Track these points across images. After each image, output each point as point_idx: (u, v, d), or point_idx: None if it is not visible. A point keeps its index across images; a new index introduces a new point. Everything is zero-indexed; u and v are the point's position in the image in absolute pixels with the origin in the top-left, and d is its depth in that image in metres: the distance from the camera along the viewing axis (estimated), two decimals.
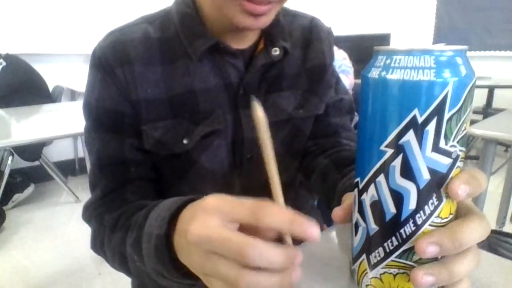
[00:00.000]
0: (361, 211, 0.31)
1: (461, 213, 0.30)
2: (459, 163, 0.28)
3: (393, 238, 0.29)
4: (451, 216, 0.29)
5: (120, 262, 0.45)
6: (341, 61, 1.96)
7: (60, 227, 2.15)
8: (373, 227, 0.30)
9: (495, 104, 3.13)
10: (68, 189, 2.51)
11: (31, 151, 2.33)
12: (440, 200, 0.28)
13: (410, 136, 0.26)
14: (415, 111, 0.26)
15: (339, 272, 0.39)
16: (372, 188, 0.30)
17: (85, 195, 0.60)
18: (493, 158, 1.36)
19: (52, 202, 2.50)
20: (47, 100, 2.33)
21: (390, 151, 0.28)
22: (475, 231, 0.28)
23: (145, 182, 0.55)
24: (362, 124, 0.30)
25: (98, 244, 0.49)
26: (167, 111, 0.52)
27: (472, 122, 0.59)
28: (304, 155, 0.65)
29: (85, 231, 0.53)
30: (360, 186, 0.31)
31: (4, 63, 2.17)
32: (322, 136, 0.65)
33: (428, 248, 0.27)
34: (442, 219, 0.28)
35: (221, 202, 0.29)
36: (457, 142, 0.27)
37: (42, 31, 2.64)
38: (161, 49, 0.52)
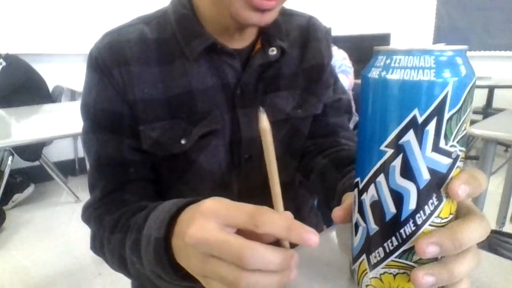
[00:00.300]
0: (361, 211, 0.31)
1: (461, 213, 0.30)
2: (459, 163, 0.28)
3: (393, 238, 0.29)
4: (451, 216, 0.29)
5: (120, 263, 0.45)
6: (341, 61, 1.96)
7: (60, 227, 2.15)
8: (373, 227, 0.30)
9: (495, 104, 3.13)
10: (68, 189, 2.51)
11: (31, 151, 2.33)
12: (440, 200, 0.28)
13: (410, 136, 0.26)
14: (415, 111, 0.26)
15: (339, 272, 0.39)
16: (372, 188, 0.30)
17: (85, 195, 0.60)
18: (493, 158, 1.36)
19: (52, 202, 2.50)
20: (47, 100, 2.34)
21: (390, 151, 0.28)
22: (475, 231, 0.28)
23: (144, 182, 0.55)
24: (362, 124, 0.30)
25: (98, 245, 0.49)
26: (164, 112, 0.52)
27: (472, 122, 0.59)
28: (303, 155, 0.65)
29: (85, 231, 0.53)
30: (360, 186, 0.31)
31: (4, 63, 2.17)
32: (320, 136, 0.65)
33: (428, 248, 0.27)
34: (442, 219, 0.28)
35: (218, 206, 0.29)
36: (457, 142, 0.27)
37: (42, 31, 2.64)
38: (158, 49, 0.52)
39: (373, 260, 0.31)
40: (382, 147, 0.28)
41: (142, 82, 0.51)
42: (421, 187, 0.27)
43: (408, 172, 0.27)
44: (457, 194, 0.27)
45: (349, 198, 0.36)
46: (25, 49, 2.53)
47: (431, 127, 0.26)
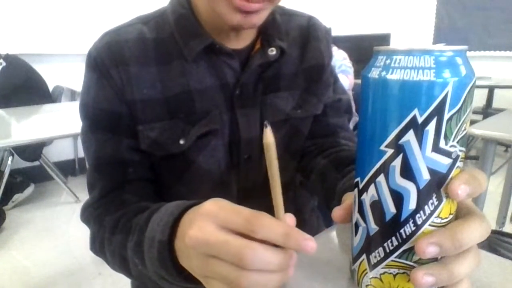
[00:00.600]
0: (361, 211, 0.31)
1: (461, 213, 0.30)
2: (459, 163, 0.28)
3: (393, 238, 0.29)
4: (451, 216, 0.29)
5: (121, 264, 0.44)
6: (341, 61, 1.97)
7: (60, 227, 2.15)
8: (373, 227, 0.30)
9: (495, 104, 3.14)
10: (68, 189, 2.51)
11: (31, 151, 2.33)
12: (440, 200, 0.28)
13: (410, 136, 0.26)
14: (415, 111, 0.26)
15: (339, 272, 0.39)
16: (372, 188, 0.30)
17: (85, 195, 0.60)
18: (493, 158, 1.36)
19: (52, 202, 2.50)
20: (47, 100, 2.34)
21: (390, 151, 0.28)
22: (475, 232, 0.28)
23: (144, 182, 0.55)
24: (362, 124, 0.30)
25: (98, 246, 0.49)
26: (163, 112, 0.52)
27: (472, 122, 0.59)
28: (303, 155, 0.65)
29: (85, 231, 0.53)
30: (360, 186, 0.31)
31: (4, 63, 2.17)
32: (320, 136, 0.65)
33: (428, 248, 0.27)
34: (442, 219, 0.28)
35: (218, 208, 0.29)
36: (457, 142, 0.27)
37: (42, 31, 2.64)
38: (157, 49, 0.52)
39: (373, 260, 0.31)
40: (382, 147, 0.28)
41: (141, 82, 0.51)
42: (421, 187, 0.27)
43: (408, 172, 0.27)
44: (457, 194, 0.27)
45: (349, 198, 0.36)
46: (25, 49, 2.53)
47: (431, 127, 0.26)
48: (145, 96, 0.51)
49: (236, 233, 0.28)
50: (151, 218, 0.39)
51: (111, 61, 0.50)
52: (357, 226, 0.32)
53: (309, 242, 0.27)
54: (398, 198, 0.28)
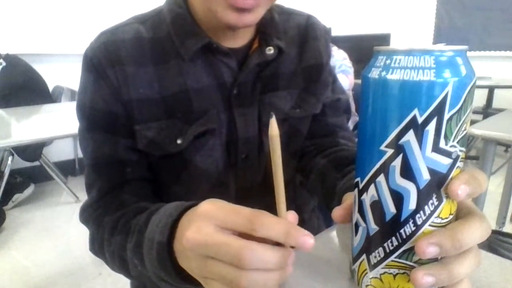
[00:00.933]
0: (361, 211, 0.31)
1: (461, 214, 0.30)
2: (459, 163, 0.28)
3: (393, 238, 0.29)
4: (451, 216, 0.29)
5: (120, 265, 0.45)
6: (341, 61, 1.97)
7: (60, 227, 2.15)
8: (373, 227, 0.30)
9: (495, 104, 3.14)
10: (68, 189, 2.51)
11: (31, 151, 2.33)
12: (440, 200, 0.28)
13: (410, 136, 0.26)
14: (415, 111, 0.26)
15: (339, 272, 0.39)
16: (372, 188, 0.30)
17: (85, 195, 0.60)
18: (493, 158, 1.36)
19: (52, 202, 2.50)
20: (47, 100, 2.33)
21: (390, 151, 0.28)
22: (475, 232, 0.28)
23: (142, 182, 0.55)
24: (362, 124, 0.30)
25: (97, 247, 0.49)
26: (160, 111, 0.52)
27: (472, 122, 0.59)
28: (302, 155, 0.65)
29: (85, 231, 0.53)
30: (360, 186, 0.31)
31: (4, 63, 2.17)
32: (319, 136, 0.65)
33: (428, 248, 0.27)
34: (442, 219, 0.28)
35: (216, 208, 0.29)
36: (457, 142, 0.27)
37: (42, 31, 2.64)
38: (153, 49, 0.51)
39: (373, 260, 0.31)
40: (382, 147, 0.28)
41: (137, 82, 0.50)
42: (421, 187, 0.27)
43: (408, 172, 0.27)
44: (457, 195, 0.27)
45: (349, 198, 0.36)
46: (25, 49, 2.53)
47: (431, 127, 0.26)
48: (142, 95, 0.51)
49: (234, 233, 0.28)
50: (150, 219, 0.39)
51: (108, 61, 0.50)
52: (357, 226, 0.32)
53: (308, 239, 0.27)
54: (398, 198, 0.28)
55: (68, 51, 2.71)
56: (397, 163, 0.27)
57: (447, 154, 0.27)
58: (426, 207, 0.28)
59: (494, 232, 1.00)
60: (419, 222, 0.28)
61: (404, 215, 0.28)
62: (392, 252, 0.30)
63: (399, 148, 0.27)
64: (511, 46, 3.31)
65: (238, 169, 0.57)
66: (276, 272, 0.28)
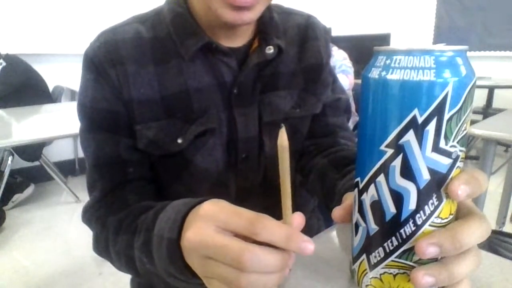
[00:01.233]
0: (361, 211, 0.31)
1: (461, 214, 0.30)
2: (459, 163, 0.28)
3: (393, 238, 0.29)
4: (451, 216, 0.29)
5: (127, 264, 0.44)
6: (341, 61, 1.97)
7: (60, 227, 2.15)
8: (373, 227, 0.30)
9: (495, 104, 3.14)
10: (68, 189, 2.51)
11: (31, 151, 2.34)
12: (440, 200, 0.28)
13: (410, 136, 0.26)
14: (415, 111, 0.26)
15: (339, 272, 0.39)
16: (372, 188, 0.30)
17: (85, 195, 0.60)
18: (493, 158, 1.36)
19: (52, 202, 2.50)
20: (47, 100, 2.34)
21: (390, 151, 0.28)
22: (475, 232, 0.28)
23: (144, 182, 0.55)
24: (362, 124, 0.30)
25: (102, 247, 0.49)
26: (160, 111, 0.52)
27: (472, 122, 0.59)
28: (302, 155, 0.65)
29: (85, 231, 0.53)
30: (360, 186, 0.31)
31: (4, 63, 2.17)
32: (319, 136, 0.65)
33: (428, 248, 0.27)
34: (442, 219, 0.28)
35: (218, 209, 0.29)
36: (457, 142, 0.27)
37: (42, 31, 2.64)
38: (154, 48, 0.51)
39: (373, 260, 0.31)
40: (382, 147, 0.28)
41: (138, 82, 0.50)
42: (421, 187, 0.27)
43: (408, 172, 0.27)
44: (457, 195, 0.27)
45: (350, 198, 0.36)
46: (25, 49, 2.53)
47: (431, 127, 0.26)
48: (143, 95, 0.51)
49: (235, 235, 0.28)
50: (158, 217, 0.38)
51: (108, 61, 0.50)
52: (357, 226, 0.32)
53: (308, 245, 0.27)
54: (398, 198, 0.28)
55: (68, 51, 2.71)
56: (397, 163, 0.27)
57: (447, 154, 0.27)
58: (426, 207, 0.28)
59: (494, 232, 1.00)
60: (419, 222, 0.28)
61: (404, 215, 0.28)
62: (392, 252, 0.30)
63: (399, 148, 0.27)
64: (511, 46, 3.30)
65: (238, 169, 0.57)
66: (276, 274, 0.28)
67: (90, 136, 0.53)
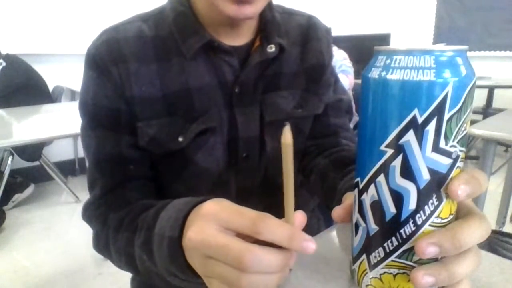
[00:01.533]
0: (361, 211, 0.31)
1: (461, 214, 0.30)
2: (459, 163, 0.28)
3: (393, 238, 0.29)
4: (451, 216, 0.29)
5: (127, 262, 0.44)
6: (341, 61, 1.97)
7: (60, 227, 2.15)
8: (373, 227, 0.30)
9: (495, 104, 3.14)
10: (68, 189, 2.51)
11: (31, 151, 2.33)
12: (440, 200, 0.28)
13: (410, 136, 0.26)
14: (415, 111, 0.26)
15: (339, 272, 0.39)
16: (372, 188, 0.30)
17: (85, 195, 0.60)
18: (493, 158, 1.36)
19: (52, 202, 2.50)
20: (47, 100, 2.33)
21: (390, 151, 0.28)
22: (475, 232, 0.28)
23: (144, 180, 0.55)
24: (362, 124, 0.30)
25: (102, 244, 0.49)
26: (162, 109, 0.52)
27: (472, 122, 0.59)
28: (303, 155, 0.65)
29: (85, 231, 0.53)
30: (360, 186, 0.31)
31: (4, 63, 2.17)
32: (321, 136, 0.65)
33: (428, 248, 0.27)
34: (442, 219, 0.28)
35: (219, 209, 0.29)
36: (457, 142, 0.27)
37: (42, 31, 2.64)
38: (156, 47, 0.52)
39: (373, 260, 0.31)
40: (382, 147, 0.28)
41: (140, 80, 0.51)
42: (421, 187, 0.27)
43: (408, 172, 0.27)
44: (456, 195, 0.27)
45: (350, 197, 0.36)
46: (25, 49, 2.53)
47: (431, 127, 0.26)
48: (144, 93, 0.51)
49: (237, 234, 0.28)
50: (159, 215, 0.38)
51: (110, 59, 0.50)
52: (357, 226, 0.32)
53: (310, 244, 0.27)
54: (398, 198, 0.28)
55: (68, 51, 2.71)
56: (397, 163, 0.27)
57: (447, 154, 0.27)
58: (426, 207, 0.28)
59: (494, 232, 1.00)
60: (419, 222, 0.28)
61: (404, 215, 0.28)
62: (392, 252, 0.30)
63: (399, 148, 0.27)
64: (511, 46, 3.31)
65: (238, 168, 0.57)
66: (277, 274, 0.28)
67: (91, 133, 0.53)
